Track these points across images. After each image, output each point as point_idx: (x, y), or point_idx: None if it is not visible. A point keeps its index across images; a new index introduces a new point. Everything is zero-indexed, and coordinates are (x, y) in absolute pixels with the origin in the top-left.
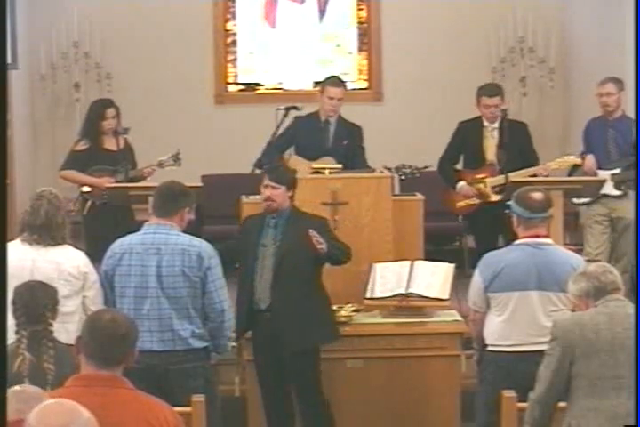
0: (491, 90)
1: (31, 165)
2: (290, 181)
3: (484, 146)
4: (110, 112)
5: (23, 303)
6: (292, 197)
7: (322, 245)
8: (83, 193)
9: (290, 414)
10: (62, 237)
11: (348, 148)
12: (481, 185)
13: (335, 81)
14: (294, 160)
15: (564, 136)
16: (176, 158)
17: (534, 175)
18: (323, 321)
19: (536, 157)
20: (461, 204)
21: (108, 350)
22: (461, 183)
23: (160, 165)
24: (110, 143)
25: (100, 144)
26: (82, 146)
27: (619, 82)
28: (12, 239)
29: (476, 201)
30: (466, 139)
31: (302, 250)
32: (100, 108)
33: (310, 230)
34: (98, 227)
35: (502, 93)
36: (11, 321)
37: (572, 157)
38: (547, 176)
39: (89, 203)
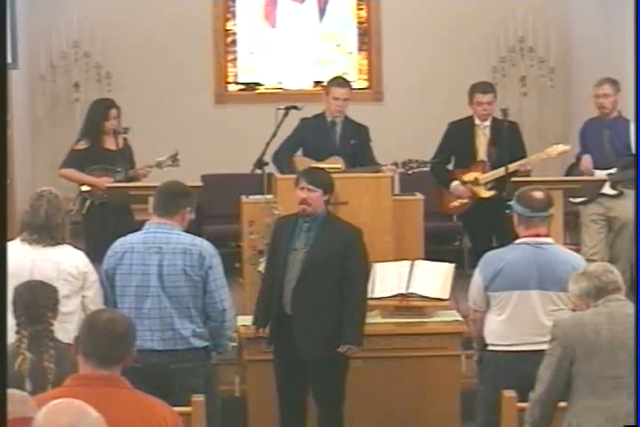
0: (484, 87)
1: (31, 165)
2: (327, 185)
3: (476, 144)
4: (113, 112)
5: (23, 303)
6: (327, 202)
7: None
8: (82, 192)
9: (304, 417)
10: (62, 237)
11: (355, 147)
12: (473, 183)
13: (340, 82)
14: (300, 161)
15: (564, 136)
16: (174, 159)
17: (515, 172)
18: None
19: (525, 155)
20: (454, 204)
21: (107, 350)
22: (455, 183)
23: (158, 165)
24: (110, 143)
25: (100, 144)
26: (81, 145)
27: (615, 83)
28: (12, 239)
29: (468, 200)
30: (457, 138)
31: (332, 257)
32: (104, 108)
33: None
34: (97, 226)
35: (495, 91)
36: (11, 321)
37: (560, 146)
38: (529, 171)
39: (88, 202)
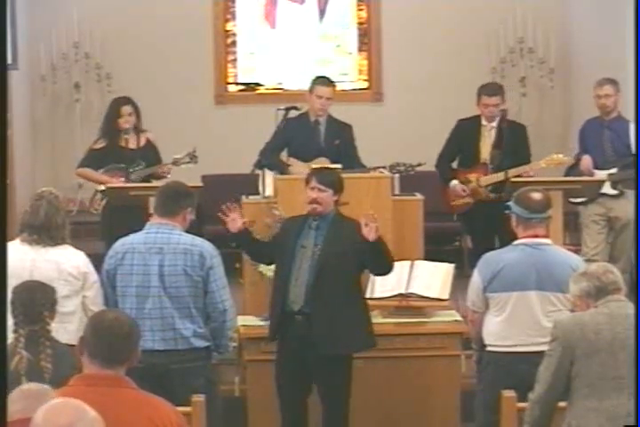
0: (491, 89)
1: (31, 165)
2: (337, 185)
3: (481, 145)
4: (126, 109)
5: (21, 303)
6: (337, 202)
7: (372, 235)
8: (99, 191)
9: (305, 418)
10: (62, 238)
11: (340, 147)
12: (474, 184)
13: (324, 80)
14: (291, 162)
15: (564, 136)
16: (192, 156)
17: (518, 176)
18: (360, 328)
19: (529, 160)
20: (456, 202)
21: (112, 350)
22: (454, 182)
23: (175, 162)
24: (130, 141)
25: (117, 142)
26: (99, 144)
27: (615, 83)
28: (12, 240)
29: (470, 200)
30: (463, 137)
31: (343, 254)
32: (116, 106)
33: (369, 214)
34: (114, 225)
35: (502, 93)
36: (10, 321)
37: (560, 156)
38: (532, 176)
39: (104, 201)
